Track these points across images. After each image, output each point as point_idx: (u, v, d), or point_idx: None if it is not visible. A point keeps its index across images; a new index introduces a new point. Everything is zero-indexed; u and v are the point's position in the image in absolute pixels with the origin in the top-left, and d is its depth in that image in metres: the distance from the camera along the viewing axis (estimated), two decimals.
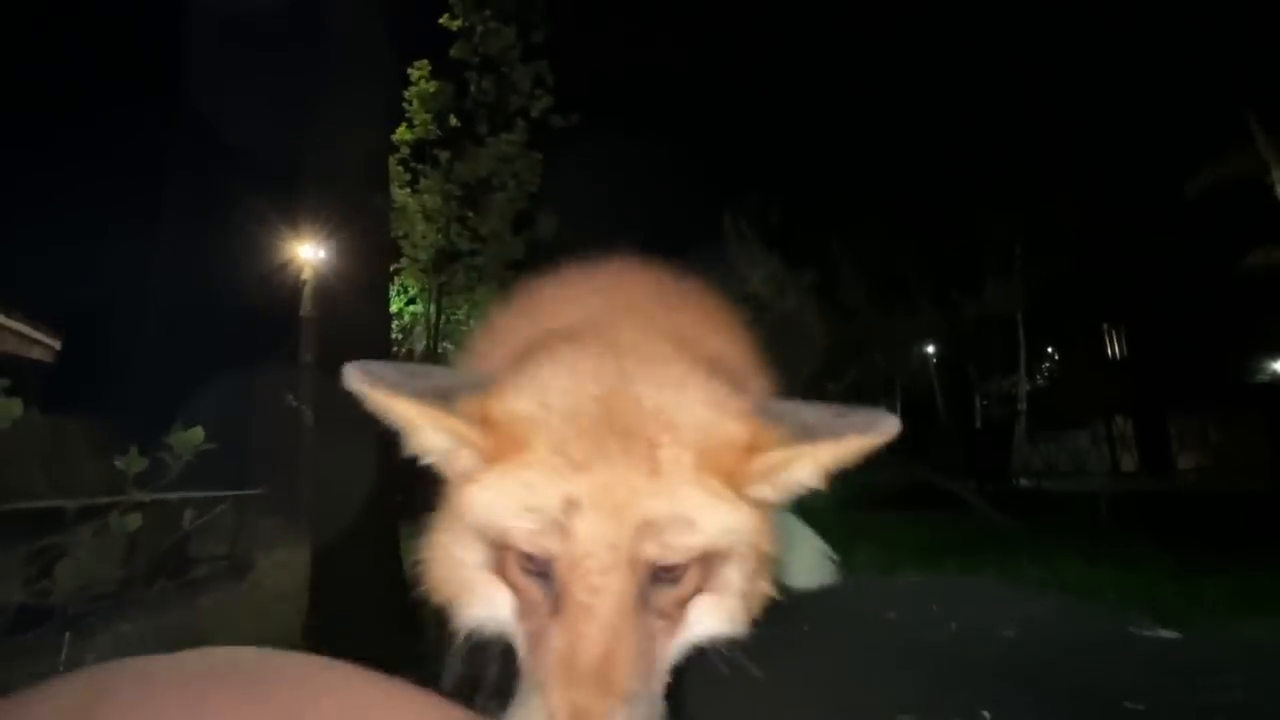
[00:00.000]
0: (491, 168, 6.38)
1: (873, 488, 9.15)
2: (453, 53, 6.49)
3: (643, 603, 0.45)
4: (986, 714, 0.91)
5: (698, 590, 0.48)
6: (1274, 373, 17.36)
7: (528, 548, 0.45)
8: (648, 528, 0.44)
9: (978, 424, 17.18)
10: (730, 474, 0.47)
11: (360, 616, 4.07)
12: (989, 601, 1.53)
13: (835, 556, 1.17)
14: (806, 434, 0.48)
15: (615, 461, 0.44)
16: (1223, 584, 3.94)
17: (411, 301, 8.38)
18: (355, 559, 4.29)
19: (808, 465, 0.49)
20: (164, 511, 2.18)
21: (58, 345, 7.27)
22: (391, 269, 6.16)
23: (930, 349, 16.91)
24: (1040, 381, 20.13)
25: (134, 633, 3.96)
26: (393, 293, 7.59)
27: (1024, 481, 14.81)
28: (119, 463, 1.56)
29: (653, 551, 0.44)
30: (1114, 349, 19.30)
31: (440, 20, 6.64)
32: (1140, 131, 13.76)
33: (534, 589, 0.46)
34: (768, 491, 0.50)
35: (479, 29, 6.38)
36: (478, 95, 6.46)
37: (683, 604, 0.48)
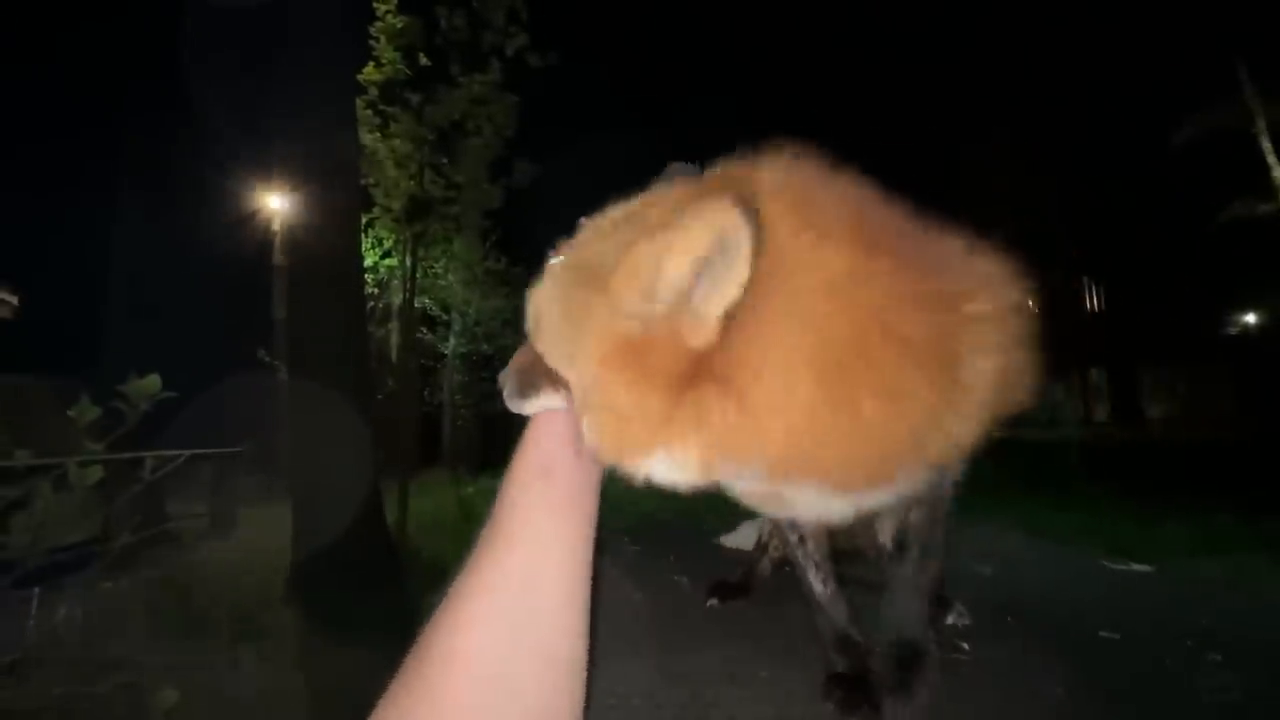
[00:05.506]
0: (464, 109, 6.07)
1: None
2: None
3: None
4: (965, 645, 0.92)
5: None
6: (1243, 325, 17.76)
7: None
8: None
9: None
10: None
11: (342, 571, 4.08)
12: (967, 541, 1.55)
13: None
14: None
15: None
16: (1184, 526, 4.07)
17: (387, 255, 8.13)
18: (337, 514, 4.27)
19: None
20: (134, 467, 2.12)
21: (15, 301, 7.00)
22: (365, 220, 5.93)
23: None
24: None
25: (115, 590, 3.95)
26: (367, 246, 7.35)
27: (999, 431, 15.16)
28: (71, 413, 1.48)
29: None
30: (1093, 302, 19.56)
31: None
32: (1123, 83, 13.57)
33: None
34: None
35: None
36: (449, 31, 6.08)
37: None
